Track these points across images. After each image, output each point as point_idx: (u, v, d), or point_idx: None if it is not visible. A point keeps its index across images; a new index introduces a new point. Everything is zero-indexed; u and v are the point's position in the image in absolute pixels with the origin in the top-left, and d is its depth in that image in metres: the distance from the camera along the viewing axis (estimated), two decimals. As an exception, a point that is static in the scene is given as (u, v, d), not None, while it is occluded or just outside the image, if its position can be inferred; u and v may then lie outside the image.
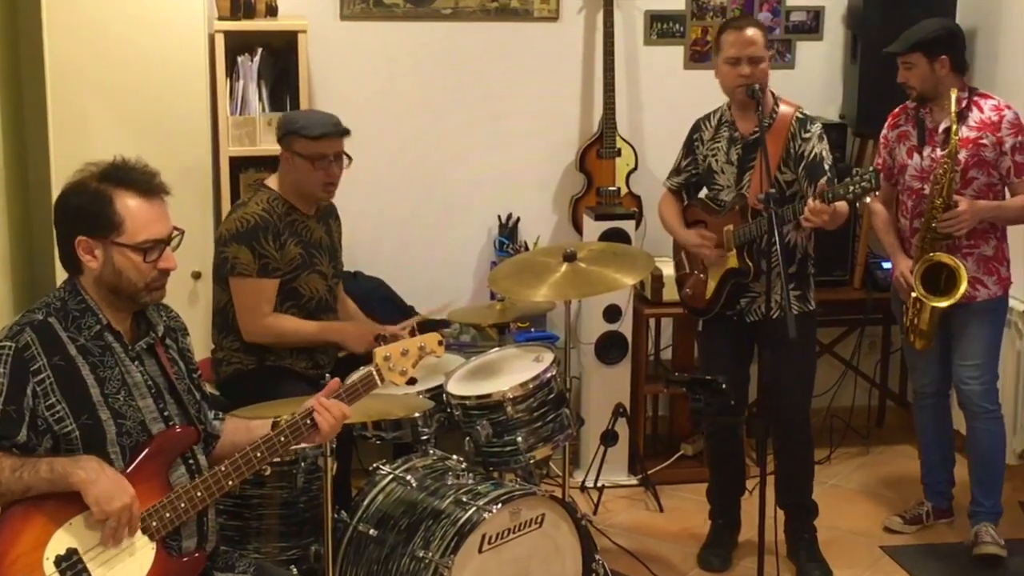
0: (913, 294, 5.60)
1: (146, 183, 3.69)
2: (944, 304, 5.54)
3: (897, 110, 5.81)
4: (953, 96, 5.47)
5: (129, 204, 3.64)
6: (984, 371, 5.69)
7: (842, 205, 5.06)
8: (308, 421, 3.85)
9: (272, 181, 5.36)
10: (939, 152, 5.56)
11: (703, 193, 5.62)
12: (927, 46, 5.56)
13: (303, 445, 4.01)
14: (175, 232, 3.74)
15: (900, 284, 5.73)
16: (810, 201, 5.01)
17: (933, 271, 5.56)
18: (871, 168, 5.07)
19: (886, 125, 5.82)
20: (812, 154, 5.31)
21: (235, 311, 5.26)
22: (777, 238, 4.77)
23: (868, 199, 5.13)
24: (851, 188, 4.96)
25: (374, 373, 4.05)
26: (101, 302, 3.67)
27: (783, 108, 5.42)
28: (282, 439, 3.81)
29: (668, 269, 6.13)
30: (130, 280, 3.65)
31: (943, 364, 5.82)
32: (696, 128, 5.61)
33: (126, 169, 3.70)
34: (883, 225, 5.85)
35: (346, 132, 5.33)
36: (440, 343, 4.22)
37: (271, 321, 5.24)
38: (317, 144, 5.23)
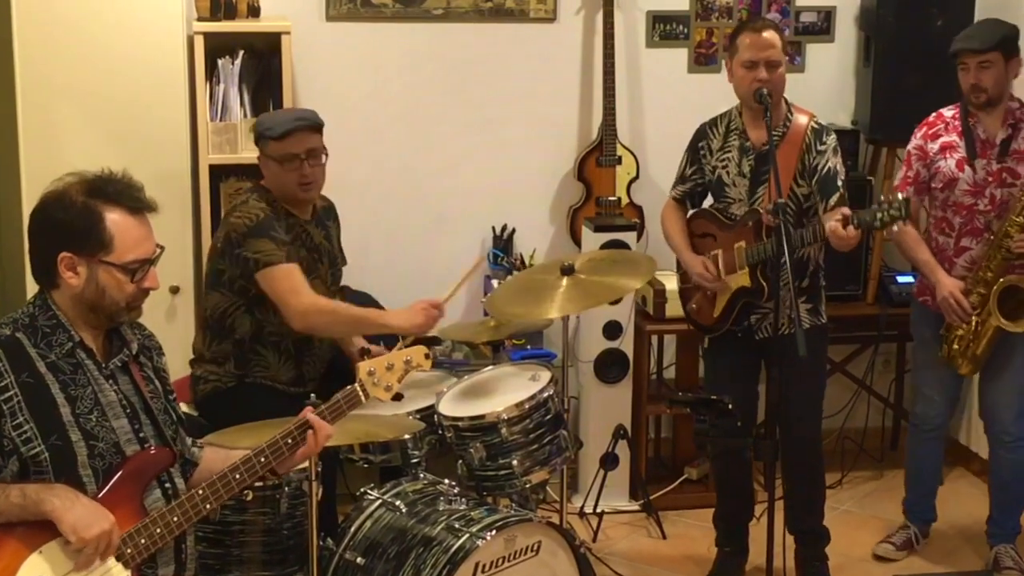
0: (975, 319, 5.59)
1: (135, 200, 3.71)
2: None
3: (932, 119, 5.74)
4: None
5: (118, 222, 3.66)
6: (1020, 399, 5.74)
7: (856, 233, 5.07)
8: (289, 440, 3.87)
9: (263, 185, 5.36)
10: (995, 165, 5.55)
11: (711, 204, 5.63)
12: (1008, 45, 5.55)
13: (284, 472, 4.03)
14: (157, 249, 3.76)
15: (950, 306, 5.62)
16: (837, 227, 5.01)
17: (1006, 295, 5.53)
18: (901, 197, 5.03)
19: (920, 135, 5.72)
20: (826, 168, 5.33)
21: (274, 308, 5.15)
22: (787, 253, 4.79)
23: (896, 228, 5.10)
24: (879, 216, 4.97)
25: (358, 389, 4.06)
26: (75, 319, 3.68)
27: (797, 117, 5.44)
28: (262, 460, 3.83)
29: (671, 284, 6.15)
30: (112, 299, 3.67)
31: (958, 392, 5.92)
32: (701, 135, 5.61)
33: (114, 183, 3.70)
34: (914, 241, 5.75)
35: (316, 125, 5.27)
36: (427, 356, 4.23)
37: (317, 300, 5.11)
38: (283, 144, 5.19)
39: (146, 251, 3.71)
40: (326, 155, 5.30)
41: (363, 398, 4.06)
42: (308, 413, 3.95)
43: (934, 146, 5.68)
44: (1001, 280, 5.52)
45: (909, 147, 5.77)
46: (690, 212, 5.72)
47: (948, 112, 5.72)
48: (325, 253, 5.41)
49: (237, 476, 3.78)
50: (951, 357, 5.73)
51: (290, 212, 5.29)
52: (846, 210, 5.11)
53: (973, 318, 5.60)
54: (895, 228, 5.05)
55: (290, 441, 3.87)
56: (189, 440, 4.00)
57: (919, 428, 6.01)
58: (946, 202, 5.67)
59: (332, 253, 5.47)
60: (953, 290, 5.61)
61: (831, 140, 5.40)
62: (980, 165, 5.58)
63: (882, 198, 5.06)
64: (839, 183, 5.30)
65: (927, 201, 5.79)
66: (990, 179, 5.57)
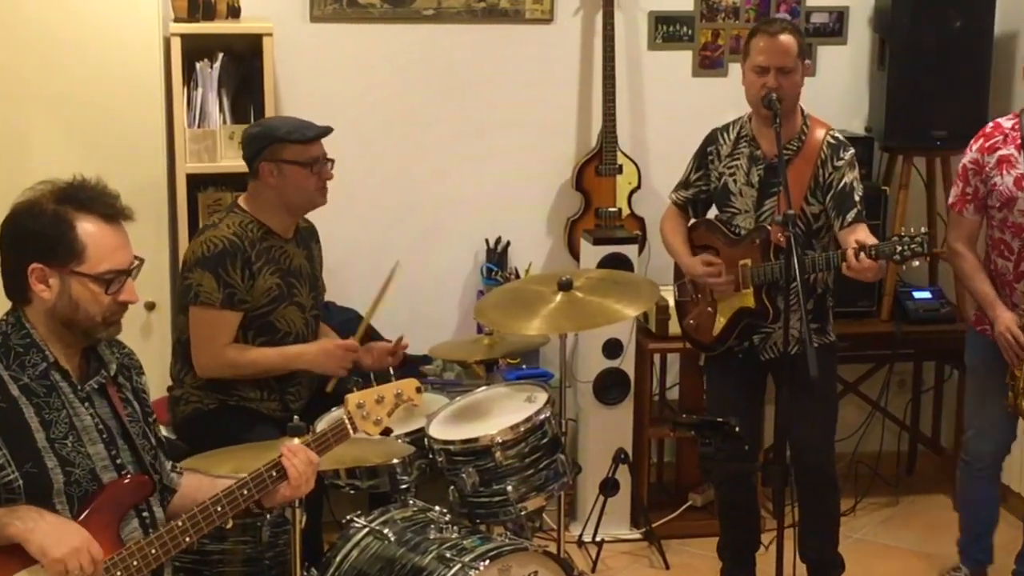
0: None
1: (109, 207, 3.72)
2: None
3: (989, 130, 5.58)
4: None
5: (91, 230, 3.67)
6: None
7: (879, 265, 5.08)
8: (274, 473, 3.89)
9: (245, 201, 5.38)
10: None
11: (714, 215, 5.64)
12: None
13: (272, 506, 4.05)
14: (135, 261, 3.76)
15: (1007, 341, 5.49)
16: (852, 259, 5.02)
17: None
18: (923, 231, 4.97)
19: (976, 148, 5.56)
20: (842, 183, 5.33)
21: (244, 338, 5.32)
22: (797, 267, 4.80)
23: (916, 263, 5.08)
24: (898, 249, 4.97)
25: (346, 422, 4.09)
26: (50, 337, 3.69)
27: (814, 130, 5.44)
28: (245, 492, 3.84)
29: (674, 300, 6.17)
30: (87, 313, 3.68)
31: (1014, 428, 5.78)
32: (712, 139, 5.62)
33: (87, 190, 3.72)
34: (972, 270, 5.63)
35: (331, 129, 5.41)
36: (418, 390, 4.27)
37: (229, 353, 5.26)
38: (312, 147, 5.32)
39: (122, 261, 3.72)
40: (332, 162, 5.43)
41: (351, 431, 4.09)
42: (284, 447, 3.98)
43: (991, 159, 5.52)
44: None
45: (964, 161, 5.62)
46: (691, 222, 5.73)
47: (1007, 123, 5.57)
48: (305, 276, 5.45)
49: (219, 509, 3.79)
50: (1017, 406, 5.56)
51: (271, 231, 5.33)
52: (862, 236, 5.12)
53: None
54: (915, 263, 5.04)
55: (275, 473, 3.89)
56: (169, 465, 4.01)
57: (971, 466, 5.88)
58: (1004, 223, 5.54)
59: (313, 275, 5.52)
60: (1010, 325, 5.49)
61: (848, 155, 5.39)
62: None
63: (903, 230, 5.04)
64: (856, 199, 5.30)
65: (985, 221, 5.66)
66: None
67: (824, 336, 5.52)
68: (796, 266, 4.80)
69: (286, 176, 5.29)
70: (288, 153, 5.28)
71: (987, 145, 5.56)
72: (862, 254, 5.01)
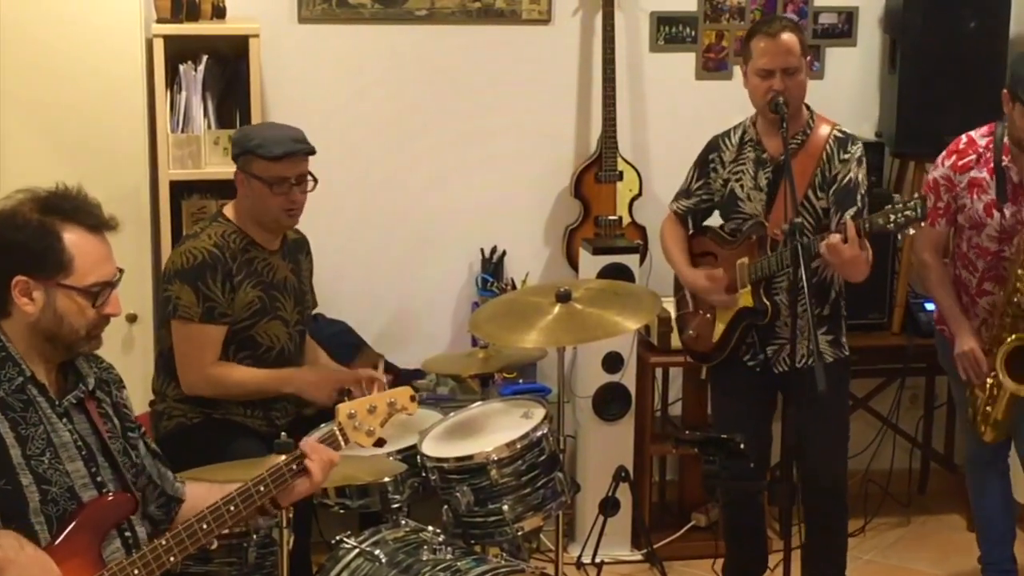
0: (990, 380, 5.53)
1: (94, 217, 3.73)
2: None
3: (963, 147, 5.61)
4: None
5: (78, 241, 3.68)
6: None
7: (865, 253, 5.07)
8: (262, 488, 3.88)
9: (230, 210, 5.38)
10: None
11: (718, 224, 5.64)
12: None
13: (262, 520, 4.04)
14: (118, 272, 3.76)
15: (969, 363, 5.58)
16: (836, 242, 5.00)
17: (1017, 353, 5.46)
18: (916, 195, 4.98)
19: (947, 165, 5.61)
20: (846, 179, 5.32)
21: (227, 353, 5.32)
22: (804, 276, 4.79)
23: (911, 230, 5.07)
24: (892, 217, 4.94)
25: (337, 433, 4.08)
26: (28, 351, 3.69)
27: (819, 125, 5.45)
28: (231, 508, 3.84)
29: (677, 311, 6.17)
30: (72, 327, 3.69)
31: None
32: (713, 147, 5.63)
33: (70, 199, 3.73)
34: (939, 281, 5.71)
35: (311, 151, 5.33)
36: (413, 399, 4.25)
37: (214, 371, 5.25)
38: (278, 166, 5.24)
39: (107, 273, 3.73)
40: (314, 183, 5.36)
41: (342, 443, 4.08)
42: (305, 445, 3.98)
43: (962, 179, 5.57)
44: (1010, 339, 5.46)
45: (936, 175, 5.65)
46: (690, 232, 5.73)
47: (981, 140, 5.59)
48: (290, 289, 5.43)
49: (203, 526, 3.78)
50: (975, 422, 5.67)
51: (254, 242, 5.32)
52: (850, 221, 5.07)
53: (988, 380, 5.56)
54: (910, 231, 5.02)
55: (262, 489, 3.88)
56: (171, 475, 4.01)
57: (974, 465, 5.97)
58: (970, 241, 5.62)
59: (300, 289, 5.50)
60: (975, 348, 5.56)
61: (856, 149, 5.39)
62: (1010, 211, 5.50)
63: (896, 197, 5.02)
64: (858, 196, 5.29)
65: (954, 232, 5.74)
66: (1019, 227, 5.49)
67: (839, 349, 5.52)
68: (804, 277, 4.79)
69: (252, 189, 5.28)
70: (255, 167, 5.25)
71: (960, 164, 5.60)
72: (843, 238, 4.97)
